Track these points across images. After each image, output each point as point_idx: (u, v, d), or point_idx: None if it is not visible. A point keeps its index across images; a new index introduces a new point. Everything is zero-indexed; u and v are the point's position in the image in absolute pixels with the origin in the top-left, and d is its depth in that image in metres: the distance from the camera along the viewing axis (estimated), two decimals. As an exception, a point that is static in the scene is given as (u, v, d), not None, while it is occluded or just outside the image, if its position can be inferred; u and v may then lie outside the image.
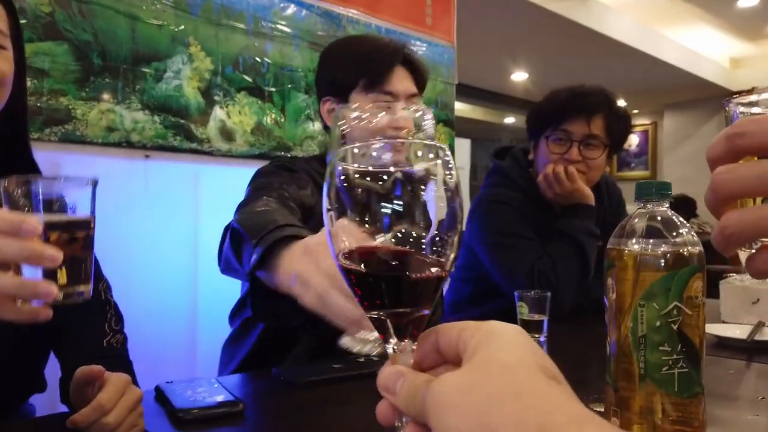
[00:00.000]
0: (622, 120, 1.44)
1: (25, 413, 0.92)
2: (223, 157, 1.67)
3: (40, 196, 0.52)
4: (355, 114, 0.69)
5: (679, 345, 0.54)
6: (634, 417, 0.55)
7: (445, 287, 0.36)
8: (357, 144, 0.35)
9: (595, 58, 5.23)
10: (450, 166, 0.34)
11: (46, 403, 0.95)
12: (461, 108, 7.30)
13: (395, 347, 0.35)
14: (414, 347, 0.35)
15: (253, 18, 1.74)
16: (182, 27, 1.59)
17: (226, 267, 0.85)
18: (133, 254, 1.51)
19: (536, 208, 1.48)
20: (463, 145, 6.48)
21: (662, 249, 0.54)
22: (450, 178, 0.34)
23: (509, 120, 7.67)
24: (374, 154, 0.34)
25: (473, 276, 1.52)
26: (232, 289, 1.28)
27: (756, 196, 0.35)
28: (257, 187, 1.03)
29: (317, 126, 1.86)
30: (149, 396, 0.76)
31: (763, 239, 0.34)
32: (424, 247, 0.33)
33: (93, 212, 0.57)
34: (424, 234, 0.33)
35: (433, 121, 0.71)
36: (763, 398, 0.78)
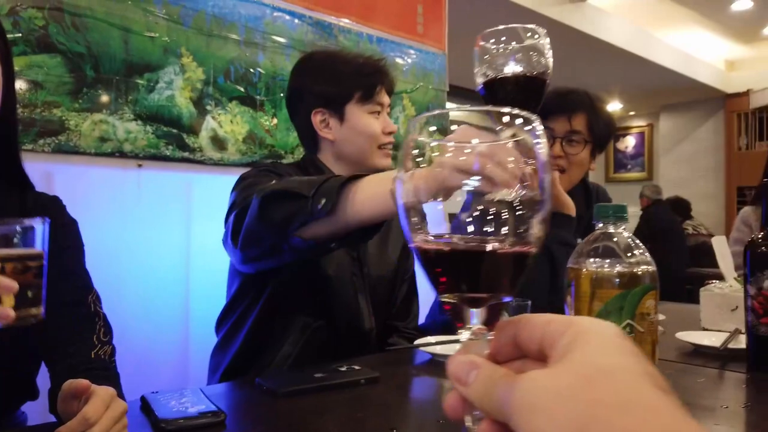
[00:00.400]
0: (603, 119, 1.47)
1: (17, 421, 0.95)
2: (215, 166, 1.70)
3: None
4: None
5: (632, 361, 0.56)
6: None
7: (524, 275, 0.34)
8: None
9: (591, 61, 5.26)
10: (539, 135, 0.33)
11: (39, 411, 0.98)
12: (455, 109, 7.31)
13: (470, 335, 0.33)
14: (490, 337, 0.32)
15: (244, 28, 1.76)
16: (174, 38, 1.62)
17: (248, 240, 0.95)
18: (126, 262, 1.53)
19: None
20: (460, 148, 6.50)
21: (617, 269, 0.57)
22: (540, 149, 0.33)
23: (506, 122, 7.70)
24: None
25: None
26: (224, 295, 1.31)
27: None
28: (247, 185, 1.08)
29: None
30: (136, 405, 0.79)
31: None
32: (506, 226, 0.32)
33: (45, 246, 0.66)
34: (508, 210, 0.32)
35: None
36: (726, 407, 0.80)
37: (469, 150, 0.34)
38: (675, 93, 6.75)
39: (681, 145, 7.33)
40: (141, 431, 0.71)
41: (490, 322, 0.33)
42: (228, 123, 1.73)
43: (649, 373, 0.26)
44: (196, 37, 1.66)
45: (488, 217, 0.32)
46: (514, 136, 0.33)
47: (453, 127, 0.65)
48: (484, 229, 0.32)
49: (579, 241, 1.62)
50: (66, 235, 0.95)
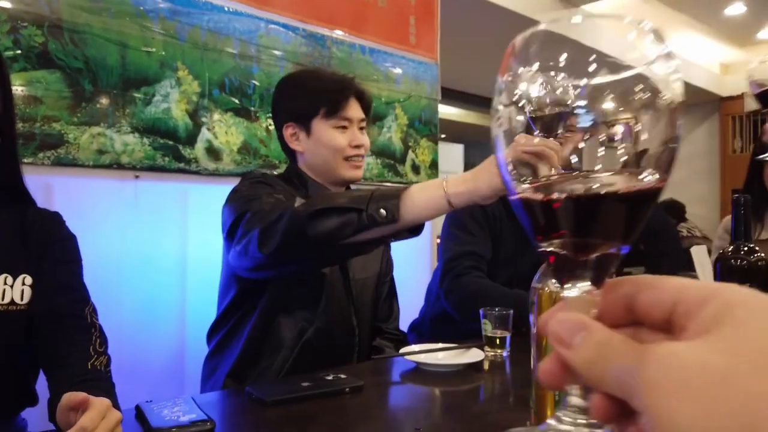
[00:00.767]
0: None
1: (18, 427, 1.00)
2: (210, 176, 1.75)
3: None
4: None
5: (588, 375, 0.61)
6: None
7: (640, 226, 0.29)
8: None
9: (585, 65, 5.30)
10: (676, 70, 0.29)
11: (39, 418, 1.03)
12: (454, 112, 7.37)
13: (576, 292, 0.28)
14: (598, 296, 0.28)
15: (239, 41, 1.81)
16: (170, 52, 1.66)
17: (284, 251, 1.04)
18: (124, 271, 1.58)
19: (508, 215, 1.58)
20: (456, 150, 6.55)
21: (575, 290, 0.62)
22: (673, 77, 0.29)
23: (503, 124, 7.74)
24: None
25: None
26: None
27: None
28: (248, 199, 1.16)
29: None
30: (131, 414, 0.83)
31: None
32: (623, 159, 0.28)
33: None
34: (624, 145, 0.28)
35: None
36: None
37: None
38: (670, 96, 6.77)
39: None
40: (135, 439, 0.76)
41: (599, 279, 0.28)
42: (223, 134, 1.77)
43: None
44: (192, 51, 1.71)
45: (604, 151, 0.28)
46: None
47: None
48: (599, 165, 0.27)
49: None
50: (65, 249, 0.99)
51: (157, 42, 1.64)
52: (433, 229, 2.44)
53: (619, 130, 0.28)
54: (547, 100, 0.29)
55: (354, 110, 1.30)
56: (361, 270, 1.35)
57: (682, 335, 0.24)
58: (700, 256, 1.46)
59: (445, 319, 1.61)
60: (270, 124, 1.87)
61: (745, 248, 1.04)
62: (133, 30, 1.59)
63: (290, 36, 1.94)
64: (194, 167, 1.71)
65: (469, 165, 7.00)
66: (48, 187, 1.46)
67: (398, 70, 2.27)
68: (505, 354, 1.21)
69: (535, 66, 0.29)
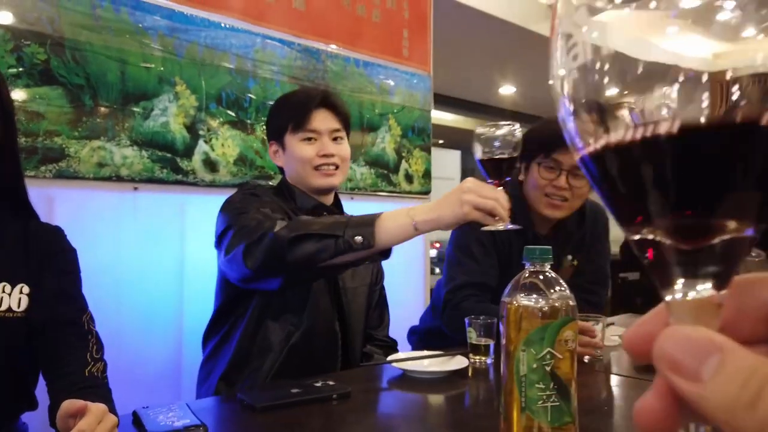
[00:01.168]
0: None
1: (19, 431, 1.04)
2: (207, 187, 1.80)
3: None
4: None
5: (551, 383, 0.66)
6: (517, 442, 0.66)
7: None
8: None
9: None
10: None
11: (40, 422, 1.07)
12: (451, 119, 7.43)
13: (686, 294, 0.20)
14: (722, 301, 0.20)
15: (235, 57, 1.86)
16: (169, 68, 1.71)
17: (266, 271, 1.15)
18: (123, 280, 1.63)
19: (516, 237, 1.54)
20: (453, 156, 6.61)
21: (539, 303, 0.67)
22: None
23: (500, 131, 7.80)
24: None
25: None
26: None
27: None
28: (239, 211, 1.24)
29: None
30: (129, 419, 0.88)
31: None
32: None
33: None
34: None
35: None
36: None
37: None
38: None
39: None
40: (132, 443, 0.80)
41: (725, 278, 0.20)
42: (219, 146, 1.82)
43: None
44: (190, 66, 1.76)
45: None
46: None
47: None
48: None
49: (569, 258, 1.70)
50: (66, 261, 1.04)
51: (156, 58, 1.69)
52: (427, 234, 2.49)
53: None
54: None
55: (321, 122, 1.36)
56: (351, 279, 1.40)
57: None
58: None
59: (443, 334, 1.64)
60: (266, 136, 1.93)
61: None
62: (133, 47, 1.65)
63: (286, 51, 2.00)
64: (192, 179, 1.76)
65: (465, 171, 7.05)
66: (50, 199, 1.51)
67: (392, 82, 2.33)
68: (489, 361, 1.25)
69: None
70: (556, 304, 0.66)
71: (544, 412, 0.65)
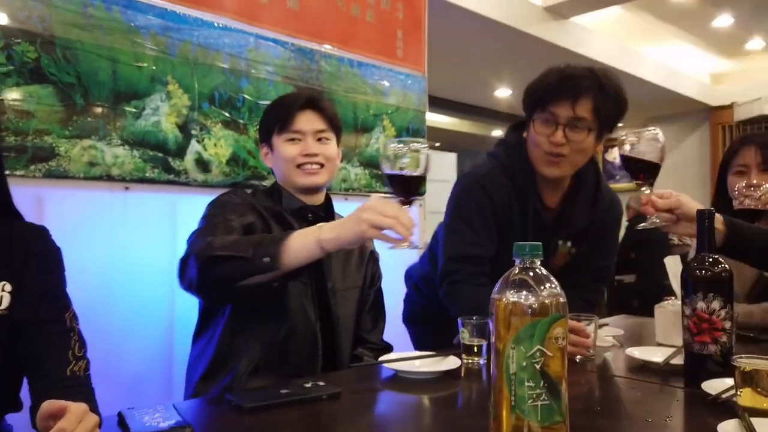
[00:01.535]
0: (611, 100, 1.40)
1: (4, 433, 1.03)
2: (199, 187, 1.78)
3: None
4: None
5: (542, 382, 0.65)
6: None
7: None
8: None
9: (576, 75, 5.37)
10: None
11: (24, 423, 1.06)
12: (448, 122, 7.42)
13: None
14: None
15: (229, 56, 1.85)
16: (161, 67, 1.70)
17: (193, 290, 1.19)
18: (113, 280, 1.61)
19: (519, 208, 1.49)
20: (448, 159, 6.59)
21: (529, 300, 0.66)
22: None
23: (496, 132, 7.82)
24: None
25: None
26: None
27: None
28: (209, 215, 1.33)
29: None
30: (114, 420, 0.87)
31: None
32: None
33: None
34: None
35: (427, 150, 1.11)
36: (650, 420, 0.89)
37: None
38: (661, 106, 6.87)
39: (668, 156, 7.42)
40: (116, 444, 0.79)
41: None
42: (212, 146, 1.81)
43: None
44: (182, 65, 1.75)
45: None
46: None
47: None
48: None
49: (568, 244, 1.67)
50: (48, 260, 1.03)
51: (148, 57, 1.68)
52: (427, 235, 2.47)
53: None
54: None
55: (305, 122, 1.40)
56: (342, 281, 1.39)
57: None
58: (673, 265, 1.51)
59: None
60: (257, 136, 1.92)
61: (710, 259, 1.08)
62: (125, 45, 1.63)
63: (279, 50, 1.99)
64: (183, 179, 1.75)
65: (461, 172, 7.05)
66: (39, 198, 1.50)
67: (386, 83, 2.32)
68: (481, 361, 1.24)
69: None
70: (546, 301, 0.65)
71: (534, 411, 0.64)
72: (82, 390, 0.93)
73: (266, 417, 0.90)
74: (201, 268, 1.11)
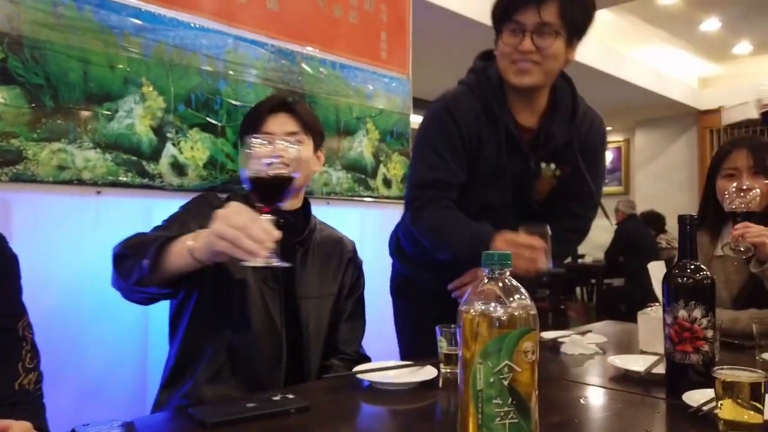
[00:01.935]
0: (578, 3, 1.37)
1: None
2: (175, 191, 1.73)
3: None
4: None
5: (509, 399, 0.61)
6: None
7: None
8: None
9: (565, 79, 5.38)
10: None
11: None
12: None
13: None
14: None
15: (206, 57, 1.81)
16: (135, 68, 1.66)
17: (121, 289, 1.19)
18: (85, 287, 1.56)
19: (489, 131, 1.44)
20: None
21: (497, 312, 0.62)
22: None
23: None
24: None
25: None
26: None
27: None
28: (170, 216, 1.35)
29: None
30: (67, 437, 0.82)
31: None
32: None
33: None
34: None
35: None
36: (628, 434, 0.85)
37: None
38: (649, 109, 6.90)
39: (656, 159, 7.46)
40: (66, 464, 0.74)
41: None
42: (188, 149, 1.77)
43: None
44: (157, 66, 1.70)
45: None
46: None
47: None
48: None
49: (551, 166, 1.56)
50: (7, 267, 0.99)
51: (122, 58, 1.63)
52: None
53: None
54: None
55: (277, 125, 1.40)
56: (317, 288, 1.35)
57: None
58: (657, 271, 1.48)
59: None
60: (238, 139, 1.87)
61: (692, 266, 1.05)
62: (97, 46, 1.59)
63: (259, 52, 1.95)
64: (158, 183, 1.70)
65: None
66: (6, 203, 1.45)
67: (369, 86, 2.29)
68: (459, 371, 1.21)
69: None
70: (515, 313, 0.62)
71: (502, 430, 0.61)
72: (30, 407, 0.88)
73: (230, 433, 0.86)
74: (113, 265, 1.14)
